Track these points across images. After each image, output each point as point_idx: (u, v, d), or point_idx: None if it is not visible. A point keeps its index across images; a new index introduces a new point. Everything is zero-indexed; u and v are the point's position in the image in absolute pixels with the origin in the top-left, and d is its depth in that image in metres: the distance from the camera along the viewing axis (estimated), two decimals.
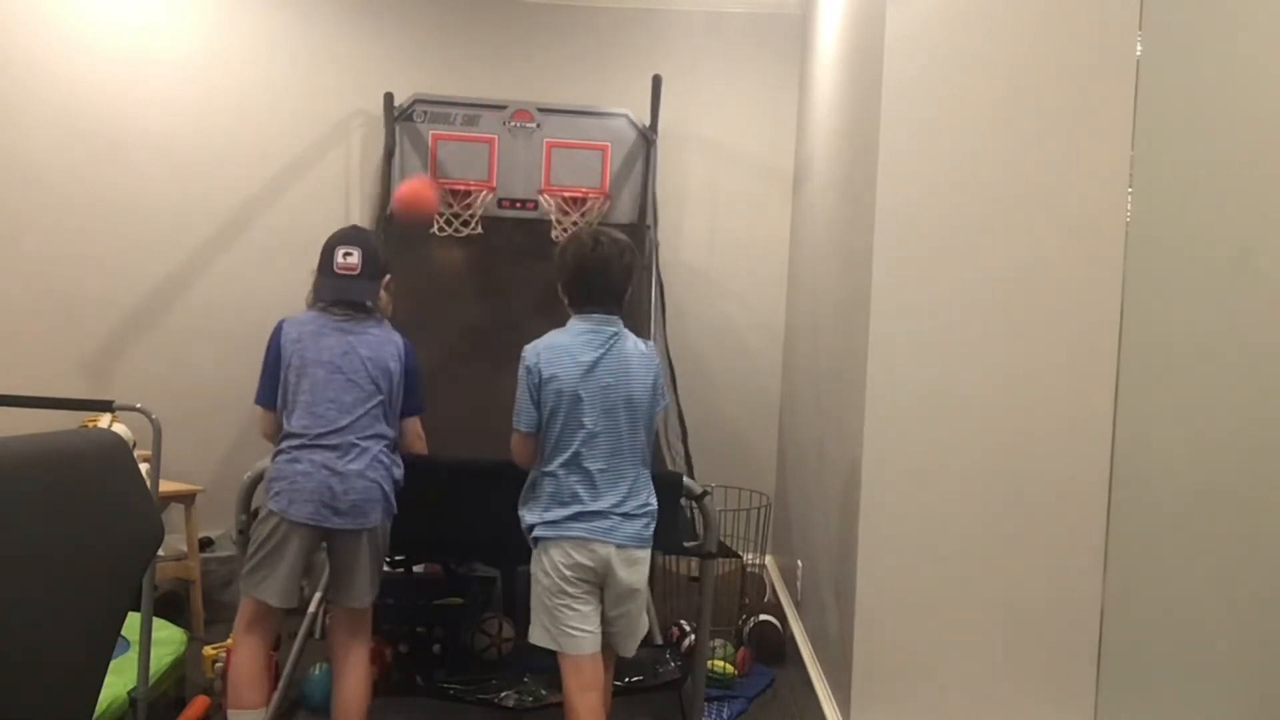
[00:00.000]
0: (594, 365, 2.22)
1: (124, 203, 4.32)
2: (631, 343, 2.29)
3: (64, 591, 1.10)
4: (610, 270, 2.25)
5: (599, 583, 2.23)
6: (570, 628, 2.19)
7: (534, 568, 2.25)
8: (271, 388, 2.46)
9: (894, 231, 2.53)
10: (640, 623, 2.34)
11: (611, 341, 2.25)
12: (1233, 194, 2.42)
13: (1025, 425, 2.53)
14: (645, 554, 2.28)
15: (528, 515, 2.27)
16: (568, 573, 2.19)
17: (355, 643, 2.47)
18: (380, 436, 2.44)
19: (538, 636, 2.23)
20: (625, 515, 2.23)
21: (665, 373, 3.66)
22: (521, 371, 2.26)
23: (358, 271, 2.46)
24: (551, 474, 2.23)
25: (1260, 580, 2.43)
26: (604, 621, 2.26)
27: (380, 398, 2.45)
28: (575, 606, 2.20)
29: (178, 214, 4.38)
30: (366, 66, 4.48)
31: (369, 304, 2.50)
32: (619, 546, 2.21)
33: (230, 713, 2.39)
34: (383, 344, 2.48)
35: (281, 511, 2.36)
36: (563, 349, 2.23)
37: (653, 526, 2.30)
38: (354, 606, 2.45)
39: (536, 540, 2.25)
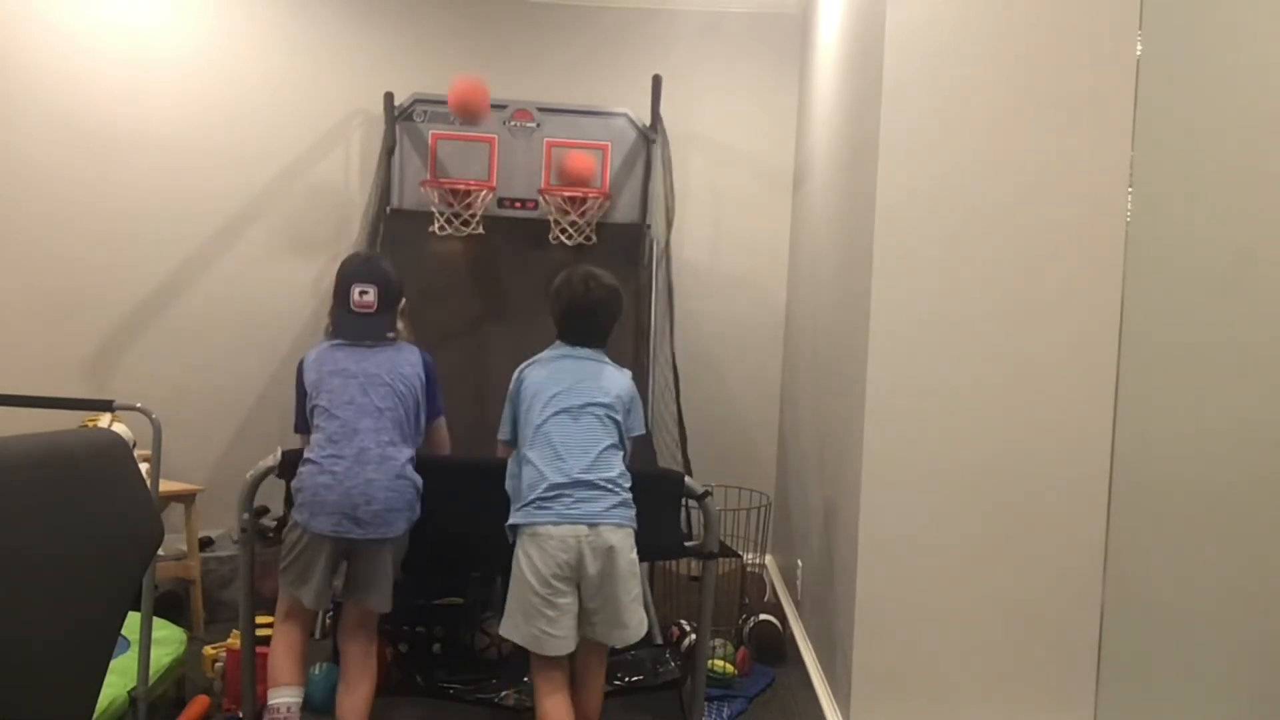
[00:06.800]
0: (568, 372, 2.39)
1: (124, 202, 4.32)
2: (611, 368, 2.46)
3: (64, 591, 1.09)
4: (597, 315, 2.46)
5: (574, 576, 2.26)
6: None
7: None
8: (303, 413, 2.53)
9: (894, 231, 2.53)
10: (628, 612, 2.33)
11: (589, 364, 2.43)
12: (1233, 194, 2.42)
13: (1025, 425, 2.53)
14: (620, 535, 2.29)
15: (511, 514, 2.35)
16: (541, 568, 2.24)
17: (364, 638, 2.51)
18: (402, 443, 2.47)
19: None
20: (593, 486, 2.27)
21: (669, 376, 3.64)
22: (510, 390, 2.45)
23: (375, 309, 2.51)
24: (525, 459, 2.33)
25: (1260, 580, 2.42)
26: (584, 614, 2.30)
27: (400, 403, 2.48)
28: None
29: (178, 214, 4.38)
30: (366, 66, 4.48)
31: (390, 335, 2.56)
32: (590, 526, 2.24)
33: (270, 691, 2.42)
34: (400, 355, 2.54)
35: (304, 524, 2.39)
36: (540, 367, 2.43)
37: (628, 513, 2.32)
38: (375, 610, 2.50)
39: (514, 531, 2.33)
